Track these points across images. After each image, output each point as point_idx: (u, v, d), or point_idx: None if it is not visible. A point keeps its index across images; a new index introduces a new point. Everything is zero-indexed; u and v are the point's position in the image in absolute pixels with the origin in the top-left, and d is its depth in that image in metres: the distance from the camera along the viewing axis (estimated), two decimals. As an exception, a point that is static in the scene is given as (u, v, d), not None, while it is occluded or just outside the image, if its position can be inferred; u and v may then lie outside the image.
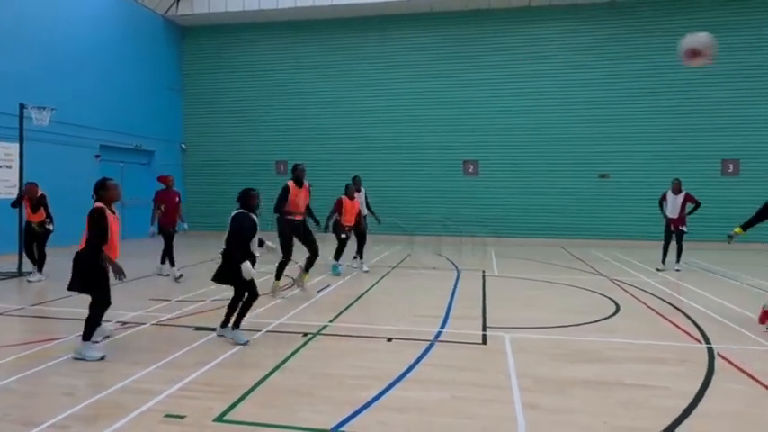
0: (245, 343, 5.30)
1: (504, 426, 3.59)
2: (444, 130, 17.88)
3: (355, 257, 10.79)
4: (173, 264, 9.49)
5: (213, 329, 5.88)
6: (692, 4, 16.60)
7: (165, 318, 6.54)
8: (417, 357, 5.01)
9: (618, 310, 7.26)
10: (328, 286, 8.72)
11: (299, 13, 18.28)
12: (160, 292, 8.12)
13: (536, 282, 9.65)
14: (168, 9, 18.47)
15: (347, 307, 7.20)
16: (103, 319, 5.26)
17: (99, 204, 4.96)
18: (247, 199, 5.55)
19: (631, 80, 16.87)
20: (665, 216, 10.99)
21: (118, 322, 6.19)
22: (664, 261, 11.01)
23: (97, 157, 15.33)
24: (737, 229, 6.31)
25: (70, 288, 4.98)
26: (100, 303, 4.98)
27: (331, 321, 6.43)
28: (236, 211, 5.52)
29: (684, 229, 10.82)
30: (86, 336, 4.90)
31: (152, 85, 18.09)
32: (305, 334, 5.80)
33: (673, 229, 10.87)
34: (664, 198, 11.08)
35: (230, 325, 5.55)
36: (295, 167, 8.13)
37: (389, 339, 5.67)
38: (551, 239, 16.74)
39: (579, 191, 17.10)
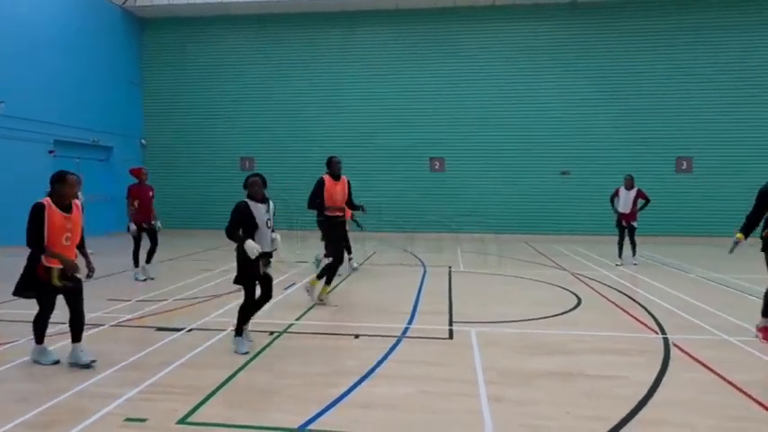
0: (245, 353, 4.91)
1: (469, 419, 3.63)
2: (411, 127, 17.97)
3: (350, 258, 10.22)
4: (137, 264, 9.06)
5: (175, 330, 5.74)
6: (648, 7, 17.15)
7: (124, 318, 6.34)
8: (385, 354, 5.02)
9: (579, 303, 7.46)
10: (294, 284, 8.63)
11: (264, 6, 18.01)
12: (119, 292, 7.87)
13: (501, 277, 9.82)
14: (126, 0, 17.88)
15: (314, 304, 7.15)
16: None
17: (44, 200, 4.48)
18: (247, 186, 5.09)
19: (591, 80, 17.34)
20: (617, 211, 11.14)
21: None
22: (620, 256, 11.22)
23: (51, 152, 14.72)
24: (739, 235, 5.61)
25: (15, 293, 4.60)
26: (39, 309, 4.67)
27: (297, 319, 6.37)
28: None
29: (635, 224, 10.99)
30: (37, 339, 4.70)
31: (110, 79, 17.49)
32: (271, 332, 5.73)
33: (624, 224, 11.03)
34: (616, 194, 11.21)
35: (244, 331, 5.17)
36: (330, 160, 7.26)
37: (356, 336, 5.66)
38: (515, 235, 17.06)
39: (542, 187, 17.48)
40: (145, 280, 8.88)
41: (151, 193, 9.04)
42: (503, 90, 17.64)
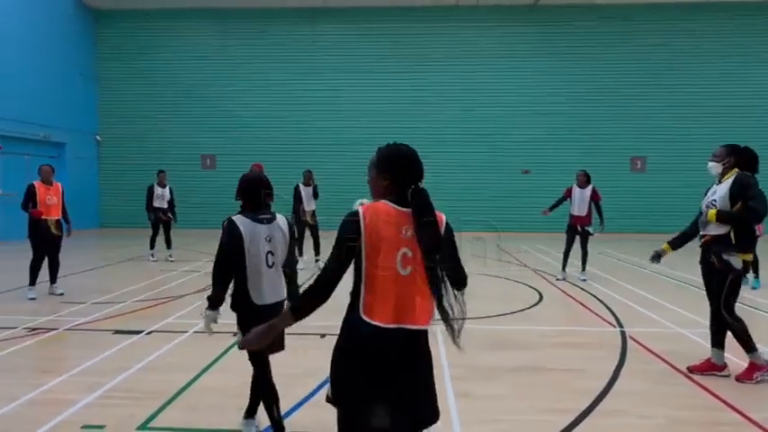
0: None
1: (437, 416, 3.65)
2: (374, 125, 17.96)
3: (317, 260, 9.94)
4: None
5: (134, 332, 5.56)
6: (606, 12, 17.69)
7: (79, 322, 6.09)
8: (351, 352, 5.00)
9: (541, 299, 7.63)
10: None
11: (225, 1, 17.66)
12: (75, 294, 7.55)
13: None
14: (79, -10, 17.20)
15: (279, 304, 7.04)
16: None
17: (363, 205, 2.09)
18: (242, 191, 3.25)
19: (551, 80, 17.77)
20: (570, 214, 9.19)
21: (25, 328, 5.70)
22: (564, 268, 9.17)
23: (-2, 148, 14.03)
24: (665, 246, 4.88)
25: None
26: None
27: (262, 319, 6.26)
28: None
29: (590, 229, 9.01)
30: None
31: (63, 73, 16.79)
32: (234, 333, 5.59)
33: (579, 229, 9.03)
34: (569, 194, 9.24)
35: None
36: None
37: (323, 336, 5.61)
38: (479, 233, 17.30)
39: (504, 185, 17.80)
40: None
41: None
42: (465, 89, 17.86)
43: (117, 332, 5.63)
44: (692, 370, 4.52)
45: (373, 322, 1.98)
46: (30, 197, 7.17)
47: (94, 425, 3.43)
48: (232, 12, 18.12)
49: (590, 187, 9.10)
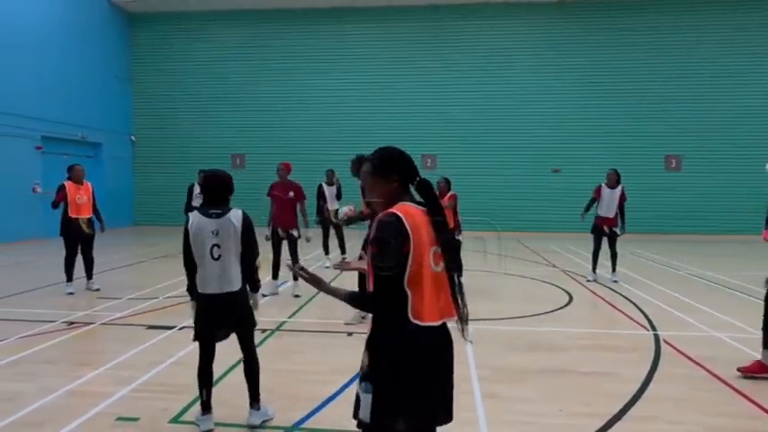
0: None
1: (464, 416, 3.62)
2: (403, 125, 17.97)
3: (344, 256, 9.93)
4: (275, 275, 7.55)
5: (166, 328, 5.69)
6: (636, 6, 17.26)
7: (114, 317, 6.28)
8: (378, 351, 5.00)
9: (571, 300, 7.50)
10: (287, 281, 8.60)
11: (255, 2, 17.91)
12: (110, 290, 7.79)
13: (493, 274, 9.85)
14: (115, -6, 17.70)
15: (307, 302, 7.12)
16: None
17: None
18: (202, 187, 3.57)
19: (582, 78, 17.43)
20: (597, 215, 8.89)
21: (63, 322, 5.90)
22: (595, 269, 8.96)
23: (38, 148, 14.54)
24: None
25: None
26: None
27: (290, 317, 6.34)
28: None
29: (618, 230, 8.78)
30: None
31: (99, 75, 17.32)
32: (264, 330, 5.69)
33: (606, 230, 8.81)
34: (598, 194, 8.88)
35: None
36: None
37: (350, 334, 5.65)
38: (507, 232, 17.11)
39: (533, 184, 17.56)
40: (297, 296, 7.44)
41: (291, 193, 7.35)
42: (494, 87, 17.69)
43: (150, 327, 5.78)
44: (742, 371, 4.37)
45: (425, 323, 1.98)
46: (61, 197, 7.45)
47: (129, 417, 3.54)
48: (261, 13, 18.36)
49: (620, 187, 8.78)
